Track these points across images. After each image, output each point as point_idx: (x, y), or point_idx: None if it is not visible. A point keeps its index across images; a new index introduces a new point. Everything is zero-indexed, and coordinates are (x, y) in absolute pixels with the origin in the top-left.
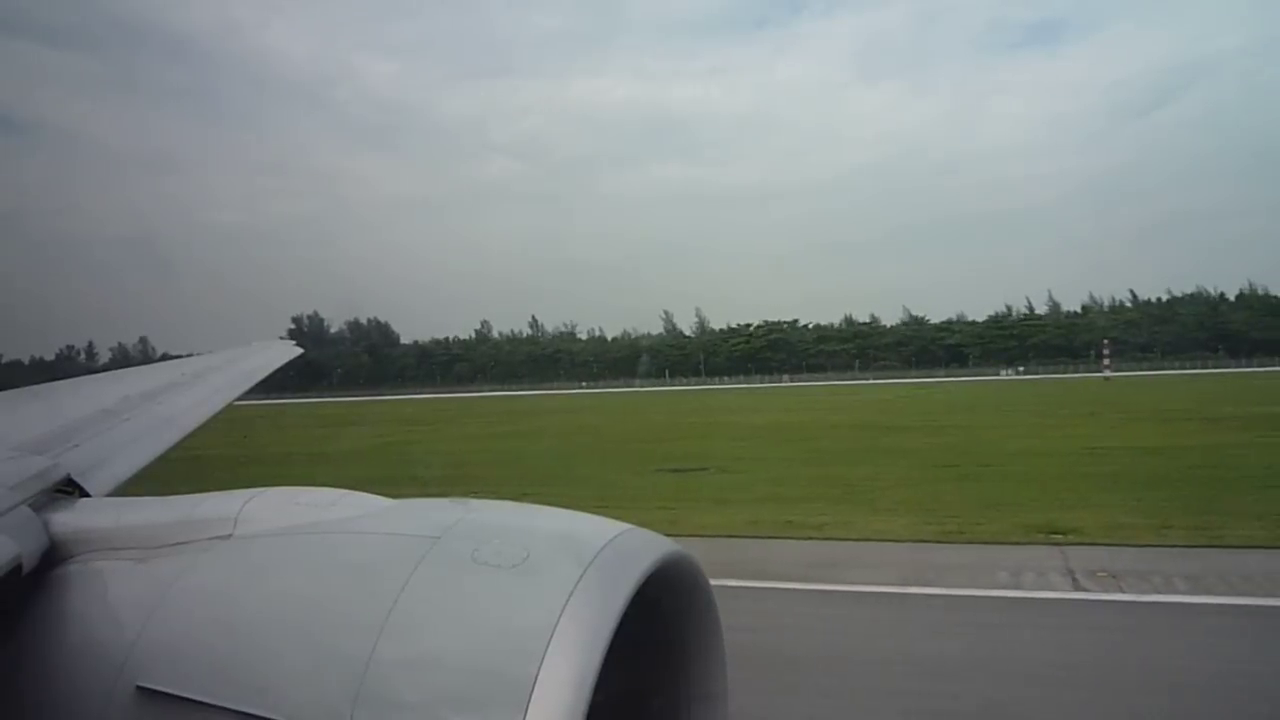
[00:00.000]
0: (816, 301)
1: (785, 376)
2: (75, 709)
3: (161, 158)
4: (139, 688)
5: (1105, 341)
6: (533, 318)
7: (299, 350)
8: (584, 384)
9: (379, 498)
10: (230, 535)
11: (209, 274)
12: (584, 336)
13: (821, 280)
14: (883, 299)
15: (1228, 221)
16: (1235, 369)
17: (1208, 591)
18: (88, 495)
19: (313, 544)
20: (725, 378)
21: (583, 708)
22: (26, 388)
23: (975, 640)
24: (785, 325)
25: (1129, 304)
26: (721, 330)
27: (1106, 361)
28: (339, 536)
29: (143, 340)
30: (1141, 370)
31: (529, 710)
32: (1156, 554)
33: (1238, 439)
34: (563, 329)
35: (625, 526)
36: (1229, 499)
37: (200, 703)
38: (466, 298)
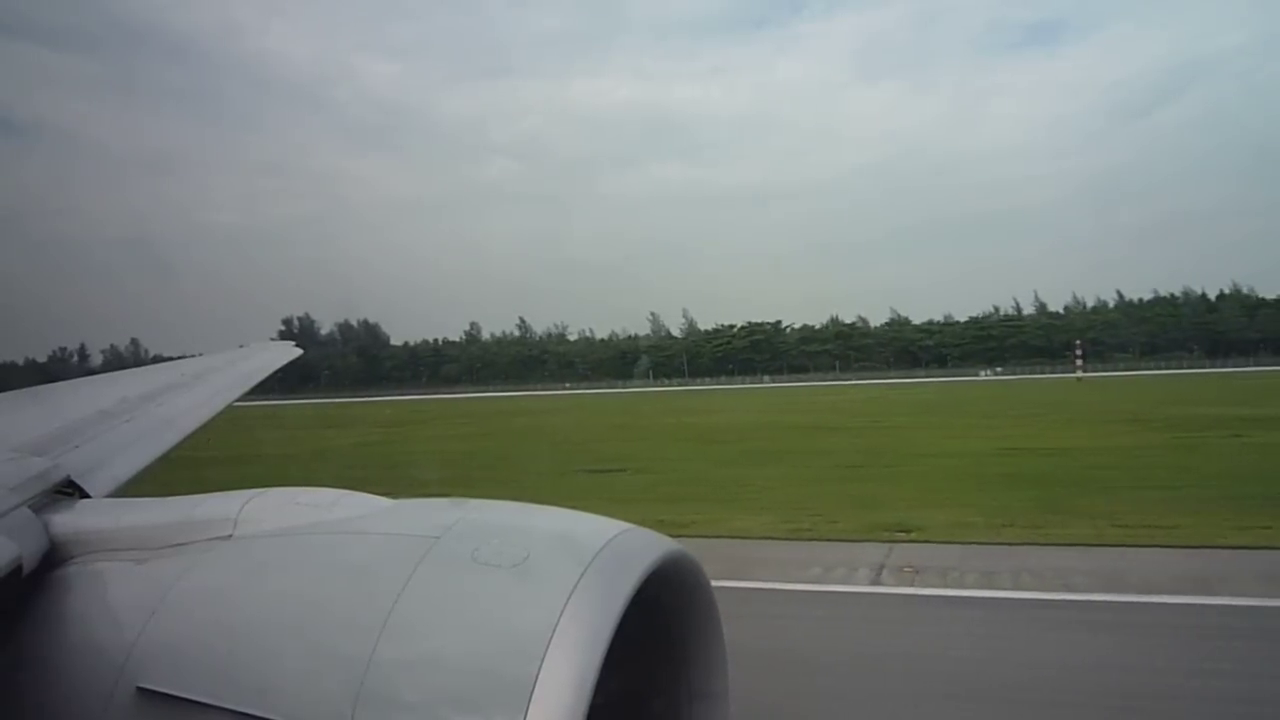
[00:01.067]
0: (816, 302)
1: (766, 377)
2: (76, 710)
3: (160, 159)
4: (139, 689)
5: (1078, 342)
6: (520, 319)
7: (298, 351)
8: (567, 385)
9: (379, 498)
10: (230, 536)
11: (203, 275)
12: (574, 337)
13: (821, 280)
14: (882, 299)
15: (1227, 221)
16: (1209, 369)
17: (991, 586)
18: (88, 496)
19: (313, 544)
20: (708, 379)
21: (583, 707)
22: (27, 389)
23: (733, 630)
24: (768, 326)
25: (1113, 304)
26: (706, 331)
27: (1079, 362)
28: (339, 537)
29: (134, 342)
30: (1117, 370)
31: (529, 710)
32: (972, 551)
33: (1159, 440)
34: (554, 330)
35: (625, 526)
36: (1088, 500)
37: (200, 703)
38: (464, 299)
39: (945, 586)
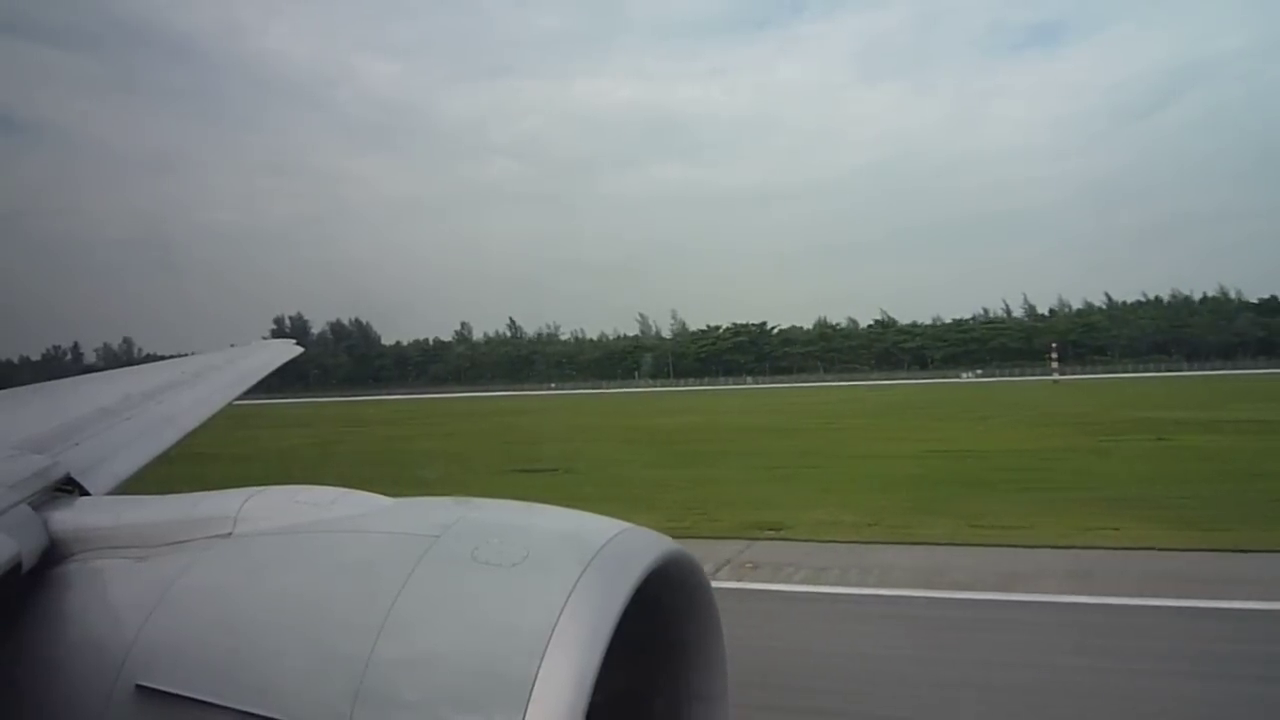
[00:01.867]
0: (816, 302)
1: (749, 378)
2: (75, 707)
3: (160, 158)
4: (138, 686)
5: (1053, 345)
6: (510, 319)
7: (299, 349)
8: (553, 385)
9: (379, 496)
10: (230, 534)
11: (199, 274)
12: (566, 337)
13: (821, 281)
14: (881, 301)
15: (1228, 223)
16: (1184, 372)
17: (817, 582)
18: (87, 494)
19: (312, 543)
20: (693, 380)
21: (582, 706)
22: (27, 386)
23: None
24: (754, 328)
25: (1102, 306)
26: (693, 333)
27: (1054, 364)
28: (339, 535)
29: (126, 340)
30: (1095, 373)
31: (529, 709)
32: (822, 548)
33: (1085, 442)
34: (547, 330)
35: (625, 525)
36: (968, 501)
37: (200, 701)
38: (460, 298)
39: (774, 582)
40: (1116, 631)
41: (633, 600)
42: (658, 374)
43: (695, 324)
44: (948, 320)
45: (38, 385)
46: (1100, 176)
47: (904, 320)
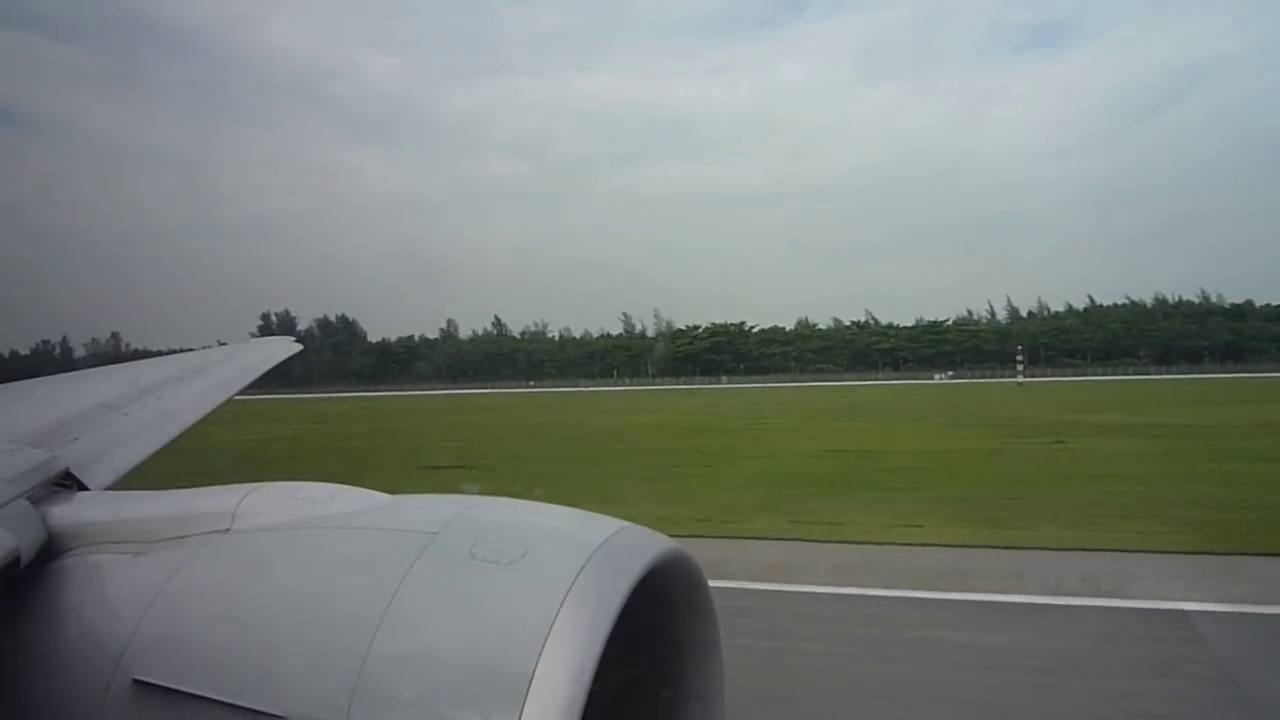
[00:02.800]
0: (813, 302)
1: (724, 378)
2: (73, 702)
3: (160, 152)
4: (136, 681)
5: (1019, 348)
6: (495, 317)
7: (298, 347)
8: (531, 383)
9: (378, 493)
10: (228, 530)
11: (193, 269)
12: (554, 335)
13: (818, 280)
14: (879, 300)
15: (1228, 226)
16: (1152, 375)
17: None
18: (86, 489)
19: (311, 539)
20: (670, 379)
21: (579, 704)
22: (26, 381)
23: None
24: (732, 328)
25: (1083, 308)
26: (672, 332)
27: (1020, 367)
28: (337, 531)
29: (115, 335)
30: (1065, 376)
31: (526, 706)
32: None
33: (986, 444)
34: (535, 327)
35: (623, 524)
36: (815, 499)
37: (197, 696)
38: (460, 295)
39: None
40: (806, 617)
41: (630, 598)
42: (635, 373)
43: (693, 322)
44: (934, 321)
45: (37, 380)
46: (1100, 178)
47: (903, 321)
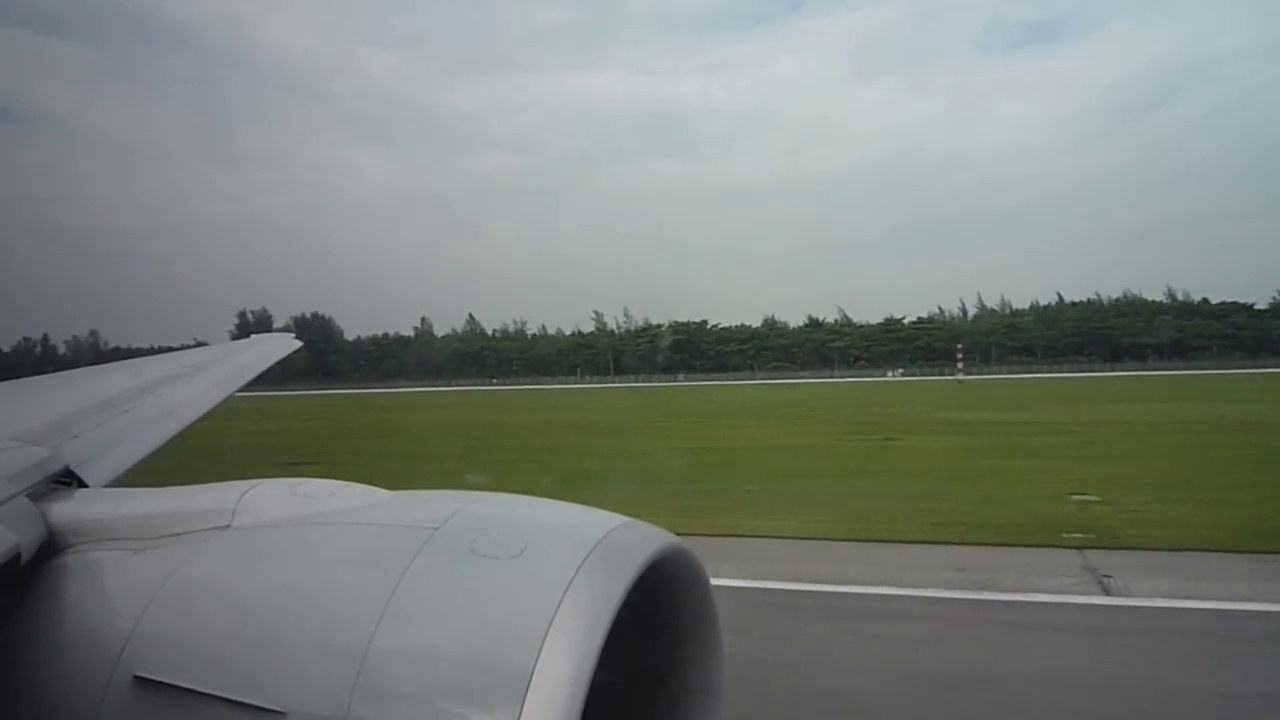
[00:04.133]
0: (809, 300)
1: (681, 376)
2: (73, 698)
3: (157, 148)
4: (136, 677)
5: (959, 347)
6: (470, 315)
7: (298, 343)
8: (494, 381)
9: (378, 489)
10: (228, 526)
11: (178, 266)
12: (535, 333)
13: (816, 279)
14: (875, 298)
15: (1226, 223)
16: (1095, 373)
17: None
18: (86, 486)
19: (311, 535)
20: (631, 376)
21: (580, 699)
22: (27, 378)
23: None
24: (693, 325)
25: (1050, 305)
26: (634, 330)
27: (960, 365)
28: (337, 527)
29: (93, 333)
30: (1014, 374)
31: (526, 701)
32: None
33: (829, 443)
34: (514, 326)
35: (623, 519)
36: (609, 490)
37: (198, 693)
38: (462, 293)
39: None
40: None
41: (630, 593)
42: (598, 371)
43: (677, 319)
44: (891, 318)
45: (37, 377)
46: (1097, 175)
47: (883, 318)
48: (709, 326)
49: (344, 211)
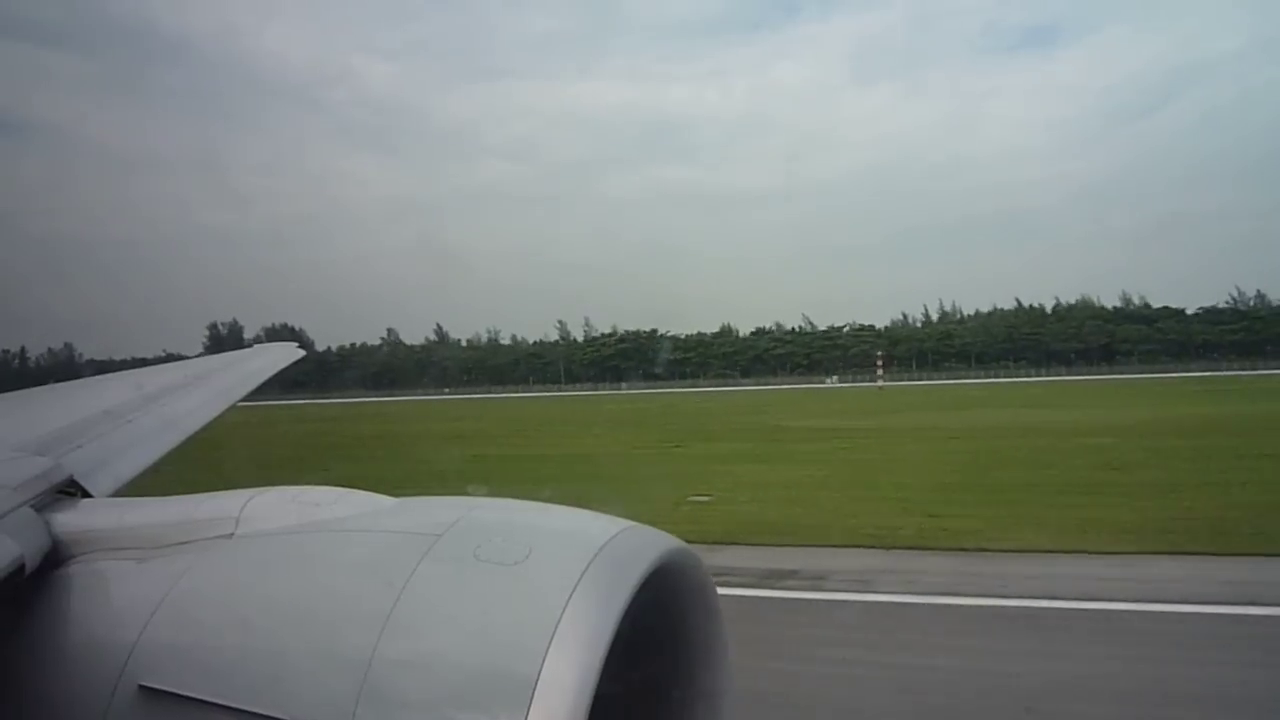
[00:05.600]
0: (807, 304)
1: (624, 384)
2: (78, 708)
3: (151, 158)
4: (141, 687)
5: (879, 354)
6: (437, 325)
7: (301, 353)
8: (447, 390)
9: (381, 496)
10: (232, 535)
11: (162, 278)
12: (507, 342)
13: (813, 283)
14: (870, 302)
15: (1224, 224)
16: (1019, 378)
17: None
18: (90, 496)
19: (315, 543)
20: (583, 385)
21: (585, 705)
22: (30, 389)
23: None
24: (643, 335)
25: (989, 312)
26: (584, 340)
27: (880, 372)
28: (341, 535)
29: (67, 345)
30: (941, 379)
31: (531, 707)
32: None
33: (622, 449)
34: (488, 335)
35: (627, 524)
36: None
37: (203, 701)
38: (453, 300)
39: None
40: None
41: (635, 598)
42: (555, 379)
43: (642, 329)
44: (831, 326)
45: (41, 387)
46: (1096, 178)
47: (840, 327)
48: (658, 335)
49: (339, 220)
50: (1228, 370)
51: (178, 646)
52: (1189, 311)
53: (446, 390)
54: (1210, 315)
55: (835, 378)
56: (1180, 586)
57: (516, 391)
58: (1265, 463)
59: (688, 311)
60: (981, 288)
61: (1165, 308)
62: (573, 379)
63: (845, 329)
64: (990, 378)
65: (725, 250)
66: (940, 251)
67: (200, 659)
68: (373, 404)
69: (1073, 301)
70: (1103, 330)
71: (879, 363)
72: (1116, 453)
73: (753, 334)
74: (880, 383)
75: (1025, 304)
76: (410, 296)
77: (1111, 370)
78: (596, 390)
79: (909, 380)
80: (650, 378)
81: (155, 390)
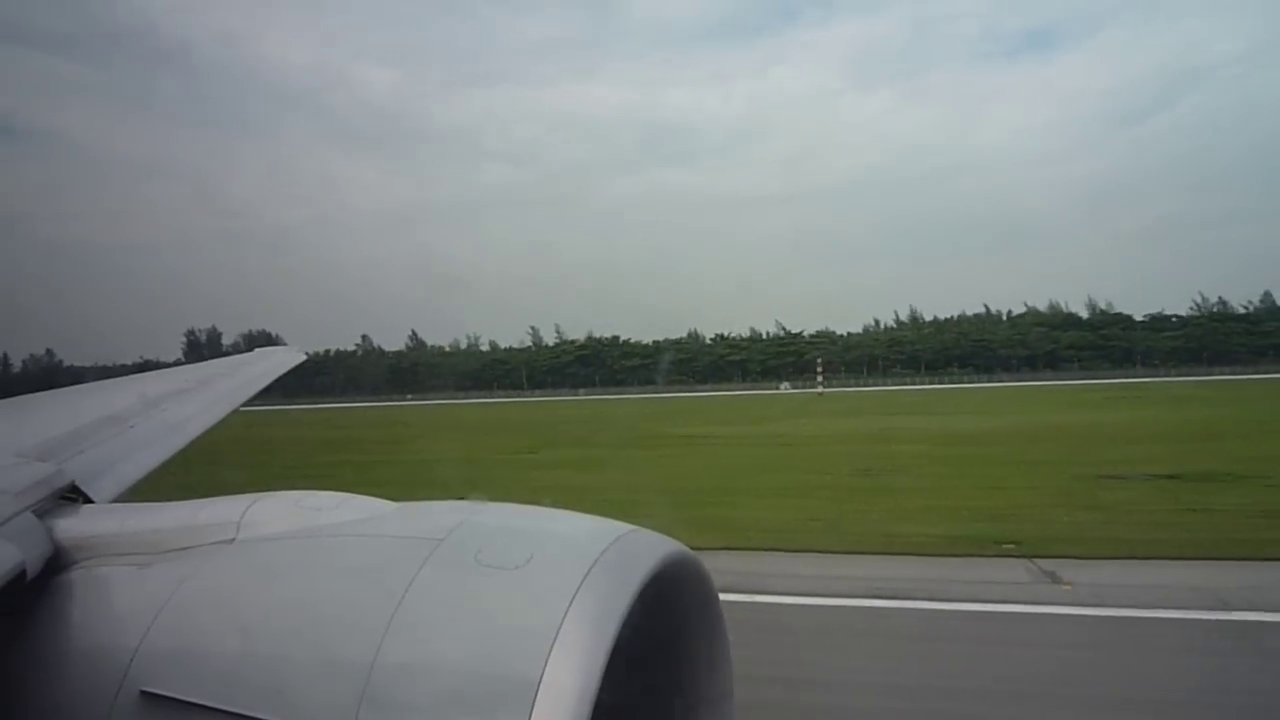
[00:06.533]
0: (803, 308)
1: (580, 390)
2: (80, 714)
3: (153, 163)
4: (143, 692)
5: (819, 361)
6: (412, 331)
7: (303, 356)
8: (409, 397)
9: (382, 501)
10: (233, 540)
11: (172, 282)
12: (486, 348)
13: (810, 286)
14: (863, 306)
15: (1222, 228)
16: (965, 384)
17: None
18: (92, 501)
19: (316, 547)
20: (542, 390)
21: (587, 709)
22: (31, 394)
23: None
24: (606, 341)
25: (948, 319)
26: (546, 346)
27: (820, 378)
28: (342, 539)
29: (49, 352)
30: (890, 386)
31: (533, 712)
32: None
33: (488, 455)
34: (466, 341)
35: (629, 527)
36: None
37: (205, 707)
38: (420, 302)
39: None
40: None
41: (637, 602)
42: (519, 385)
43: (604, 336)
44: (790, 333)
45: (42, 393)
46: (1094, 181)
47: (797, 334)
48: (620, 342)
49: (335, 226)
50: (1156, 378)
51: (179, 652)
52: (1137, 318)
53: (409, 396)
54: (1155, 322)
55: (788, 384)
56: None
57: (480, 397)
58: (1011, 470)
59: (687, 313)
60: (975, 290)
61: (1115, 314)
62: (536, 385)
63: (803, 335)
64: (936, 384)
65: (722, 254)
66: (938, 254)
67: (202, 664)
68: (311, 410)
69: (1042, 308)
70: (1048, 337)
71: (819, 369)
72: (898, 459)
73: (711, 341)
74: (820, 389)
75: (994, 310)
76: (403, 301)
77: (1055, 376)
78: (552, 397)
79: (858, 386)
80: (610, 384)
81: (157, 396)
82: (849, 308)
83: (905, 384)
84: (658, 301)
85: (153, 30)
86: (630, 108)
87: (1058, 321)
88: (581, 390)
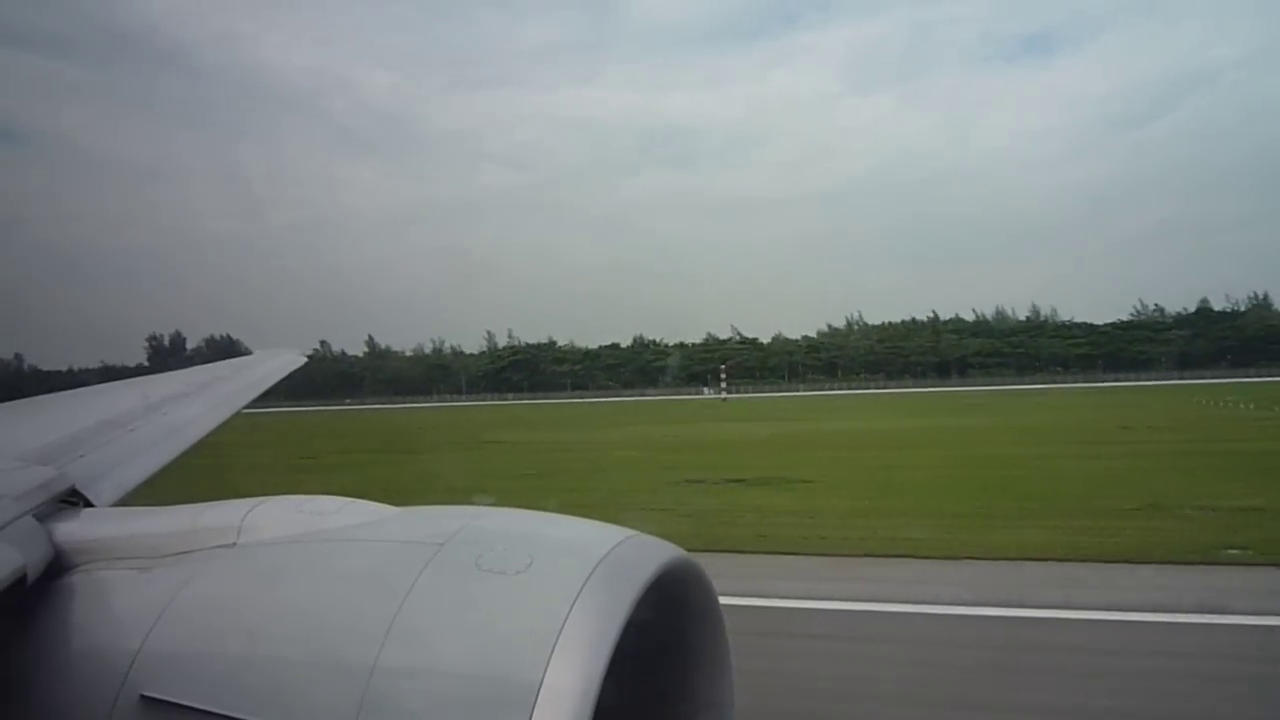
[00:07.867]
0: (802, 310)
1: (510, 395)
2: (81, 717)
3: (149, 167)
4: (143, 696)
5: (722, 367)
6: (369, 336)
7: (303, 359)
8: (348, 401)
9: (382, 505)
10: (234, 544)
11: (169, 287)
12: (446, 353)
13: (808, 289)
14: (868, 307)
15: (1220, 234)
16: (877, 390)
17: None
18: (92, 505)
19: (316, 552)
20: (477, 395)
21: (588, 714)
22: (32, 398)
23: None
24: (542, 347)
25: (883, 324)
26: (483, 353)
27: (723, 383)
28: (342, 544)
29: (18, 356)
30: (801, 392)
31: (534, 717)
32: None
33: (332, 460)
34: (430, 345)
35: (629, 533)
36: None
37: (205, 711)
38: (436, 309)
39: None
40: None
41: (638, 607)
42: (462, 389)
43: (538, 341)
44: (717, 339)
45: (43, 396)
46: (1093, 185)
47: (724, 340)
48: (556, 347)
49: (332, 228)
50: (1049, 384)
51: (180, 656)
52: (1050, 324)
53: (348, 401)
54: (1062, 330)
55: (709, 389)
56: None
57: (414, 402)
58: (640, 471)
59: (688, 315)
60: (971, 293)
61: (1025, 321)
62: (472, 390)
63: (730, 342)
64: (845, 389)
65: (721, 257)
66: (936, 258)
67: (202, 668)
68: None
69: (1024, 314)
70: (958, 344)
71: (722, 375)
72: (611, 460)
73: (632, 347)
74: (723, 394)
75: (944, 317)
76: (397, 303)
77: (961, 382)
78: (481, 401)
79: (773, 392)
80: (540, 388)
81: (158, 399)
82: (832, 311)
83: (818, 390)
84: (657, 303)
85: (153, 33)
86: (630, 111)
87: (968, 329)
88: (510, 395)
